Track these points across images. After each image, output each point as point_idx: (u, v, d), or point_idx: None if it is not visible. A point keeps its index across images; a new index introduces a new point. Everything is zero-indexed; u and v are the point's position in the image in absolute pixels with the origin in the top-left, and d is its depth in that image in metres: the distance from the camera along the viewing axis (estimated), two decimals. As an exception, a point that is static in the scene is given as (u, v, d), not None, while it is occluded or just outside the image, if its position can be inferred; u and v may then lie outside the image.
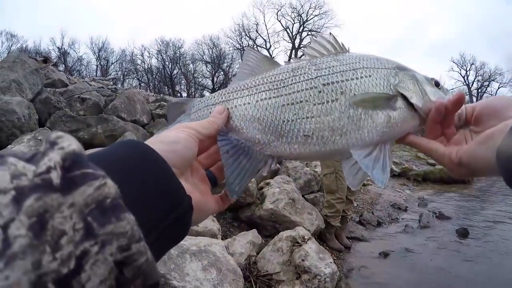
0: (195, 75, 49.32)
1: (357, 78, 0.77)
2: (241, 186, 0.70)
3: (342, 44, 0.87)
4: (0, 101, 4.45)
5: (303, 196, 5.42)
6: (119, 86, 21.97)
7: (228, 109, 0.80)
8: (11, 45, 39.61)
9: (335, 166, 4.89)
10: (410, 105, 0.77)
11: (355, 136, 0.73)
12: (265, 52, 47.29)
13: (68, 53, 44.20)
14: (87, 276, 0.33)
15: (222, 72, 49.01)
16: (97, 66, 45.72)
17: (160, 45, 48.08)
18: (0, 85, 4.82)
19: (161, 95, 19.32)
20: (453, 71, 48.82)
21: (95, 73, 39.65)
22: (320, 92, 0.76)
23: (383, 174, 0.70)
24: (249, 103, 0.79)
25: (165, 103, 8.36)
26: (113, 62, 47.58)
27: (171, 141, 0.61)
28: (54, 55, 38.48)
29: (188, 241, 3.38)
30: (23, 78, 5.20)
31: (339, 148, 0.73)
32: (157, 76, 48.77)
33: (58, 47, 43.16)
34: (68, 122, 5.00)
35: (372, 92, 0.76)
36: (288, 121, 0.75)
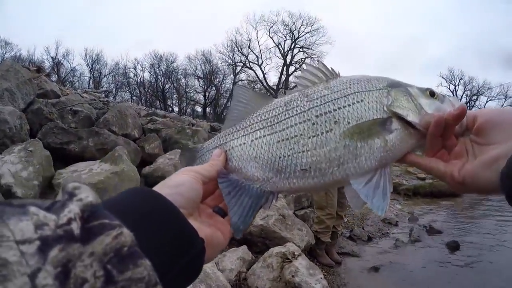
0: (187, 89, 49.41)
1: (349, 105, 0.76)
2: (245, 224, 0.72)
3: (331, 69, 0.86)
4: (-9, 111, 4.39)
5: (293, 212, 5.42)
6: (111, 98, 21.91)
7: (226, 151, 0.82)
8: (5, 53, 39.26)
9: None
10: (408, 123, 0.75)
11: (353, 165, 0.72)
12: (256, 68, 47.68)
13: (62, 63, 43.97)
14: None
15: (214, 88, 49.13)
16: (90, 78, 45.52)
17: (153, 59, 48.17)
18: (-7, 94, 4.78)
19: (153, 109, 19.31)
20: (442, 86, 48.71)
21: (87, 85, 39.57)
22: (314, 124, 0.76)
23: (384, 201, 0.69)
24: (244, 143, 0.81)
25: (157, 118, 8.37)
26: (106, 74, 47.43)
27: (176, 184, 0.64)
28: (47, 64, 38.43)
29: None
30: (16, 88, 5.18)
31: (338, 179, 0.73)
32: (149, 90, 48.71)
33: (52, 57, 42.94)
34: (60, 134, 4.97)
35: (365, 121, 0.74)
36: (285, 156, 0.75)
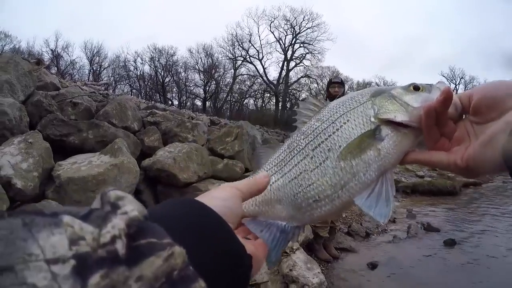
0: (187, 83, 49.35)
1: (337, 129, 0.78)
2: (277, 257, 0.76)
3: (320, 99, 0.89)
4: (-9, 102, 4.38)
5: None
6: (111, 91, 21.83)
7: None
8: (4, 45, 39.14)
9: None
10: (399, 124, 0.75)
11: (354, 183, 0.74)
12: (257, 63, 47.57)
13: (61, 56, 43.93)
14: None
15: (214, 82, 49.05)
16: (89, 70, 45.51)
17: (153, 52, 48.08)
18: (-8, 85, 4.76)
19: (153, 102, 19.27)
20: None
21: (87, 78, 39.43)
22: (312, 158, 0.79)
23: (387, 207, 0.70)
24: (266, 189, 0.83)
25: (157, 111, 8.36)
26: (106, 67, 47.39)
27: (223, 197, 0.62)
28: (47, 57, 38.28)
29: None
30: (16, 80, 5.14)
31: (346, 200, 0.75)
32: (149, 83, 48.68)
33: (51, 49, 42.88)
34: (59, 126, 4.96)
35: (354, 139, 0.76)
36: (298, 193, 0.78)
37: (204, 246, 0.47)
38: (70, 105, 5.84)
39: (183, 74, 49.39)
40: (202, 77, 49.21)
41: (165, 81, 48.33)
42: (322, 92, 45.87)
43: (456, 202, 10.42)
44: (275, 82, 48.91)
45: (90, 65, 45.85)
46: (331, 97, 5.76)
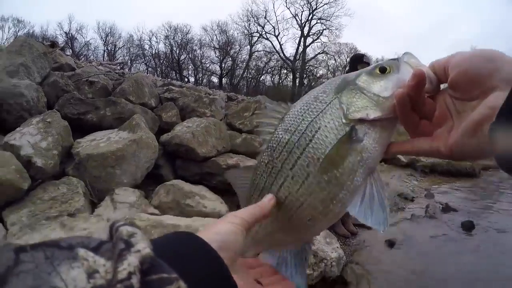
0: (203, 60, 49.17)
1: (310, 140, 0.70)
2: (303, 277, 0.78)
3: (279, 103, 0.80)
4: (8, 85, 4.42)
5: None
6: (127, 70, 21.88)
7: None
8: (18, 30, 39.37)
9: None
10: (374, 119, 0.68)
11: (343, 194, 0.68)
12: (273, 39, 47.05)
13: (76, 38, 44.00)
14: None
15: (230, 58, 48.80)
16: (104, 51, 45.61)
17: (168, 31, 47.83)
18: (9, 69, 4.76)
19: (169, 79, 19.27)
20: None
21: (102, 58, 39.63)
22: (293, 177, 0.71)
23: (383, 213, 0.66)
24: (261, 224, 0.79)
25: (173, 88, 8.33)
26: (120, 47, 47.45)
27: (223, 236, 0.61)
28: (61, 40, 38.49)
29: (197, 222, 3.48)
30: (31, 62, 5.15)
31: (339, 211, 0.70)
32: (164, 61, 48.59)
33: (65, 32, 42.98)
34: (77, 105, 4.97)
35: (330, 149, 0.68)
36: (291, 217, 0.74)
37: (203, 285, 0.49)
38: (86, 84, 5.86)
39: (198, 51, 48.95)
40: (217, 54, 48.86)
41: (181, 58, 48.08)
42: (340, 68, 45.24)
43: (475, 184, 10.14)
44: (292, 58, 48.24)
45: (104, 46, 46.00)
46: None
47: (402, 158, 11.14)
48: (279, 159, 0.73)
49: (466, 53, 0.59)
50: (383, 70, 0.69)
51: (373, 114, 0.66)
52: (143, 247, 0.39)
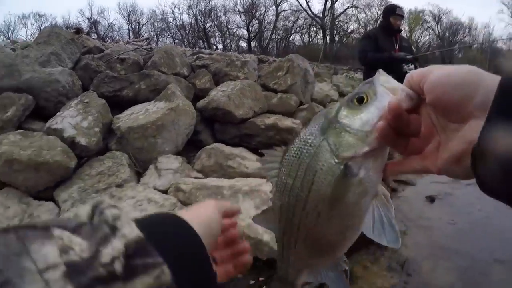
0: (229, 26, 48.62)
1: (312, 184, 0.70)
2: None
3: (276, 149, 0.79)
4: (43, 74, 4.53)
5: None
6: (154, 45, 22.02)
7: None
8: (41, 24, 39.94)
9: None
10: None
11: (355, 221, 0.70)
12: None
13: (99, 21, 44.38)
14: None
15: (256, 21, 48.00)
16: (128, 29, 45.81)
17: (190, 0, 47.42)
18: (40, 59, 4.86)
19: (197, 48, 19.21)
20: (503, 13, 39.65)
21: (128, 37, 39.92)
22: (306, 217, 0.73)
23: (394, 232, 0.66)
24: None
25: (203, 55, 8.28)
26: (144, 23, 47.51)
27: (207, 221, 0.65)
28: (84, 26, 38.96)
29: (240, 182, 3.60)
30: (61, 49, 5.25)
31: (355, 235, 0.73)
32: (190, 32, 48.41)
33: (87, 18, 43.35)
34: (111, 83, 5.03)
35: (332, 188, 0.68)
36: (313, 250, 0.78)
37: (185, 270, 0.50)
38: (117, 62, 5.91)
39: (223, 17, 48.17)
40: (243, 18, 48.03)
41: (206, 27, 47.58)
42: (372, 22, 43.54)
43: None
44: (320, 15, 46.78)
45: (128, 24, 46.17)
46: (389, 27, 5.49)
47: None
48: (290, 204, 0.75)
49: (441, 74, 0.55)
50: (360, 100, 0.66)
51: (362, 149, 0.65)
52: (128, 231, 0.40)
